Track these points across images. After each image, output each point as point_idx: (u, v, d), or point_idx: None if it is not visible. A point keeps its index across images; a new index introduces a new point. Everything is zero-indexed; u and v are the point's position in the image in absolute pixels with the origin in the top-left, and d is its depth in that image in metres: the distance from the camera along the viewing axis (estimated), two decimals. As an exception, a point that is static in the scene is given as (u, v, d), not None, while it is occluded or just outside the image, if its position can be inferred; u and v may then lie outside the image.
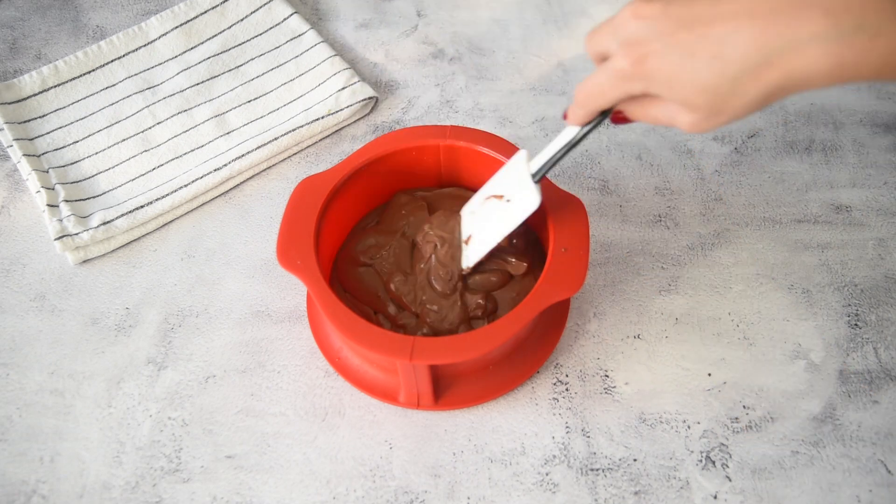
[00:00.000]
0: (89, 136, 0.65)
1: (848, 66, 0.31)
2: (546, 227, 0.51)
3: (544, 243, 0.54)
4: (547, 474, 0.49)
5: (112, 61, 0.69)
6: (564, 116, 0.44)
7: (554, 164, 0.47)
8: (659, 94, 0.36)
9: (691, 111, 0.36)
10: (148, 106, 0.67)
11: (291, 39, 0.72)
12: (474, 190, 0.55)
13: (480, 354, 0.45)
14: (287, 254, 0.49)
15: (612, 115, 0.42)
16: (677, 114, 0.37)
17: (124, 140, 0.65)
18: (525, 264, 0.53)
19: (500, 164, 0.52)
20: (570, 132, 0.45)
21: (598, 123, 0.43)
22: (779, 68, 0.32)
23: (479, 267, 0.52)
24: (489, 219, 0.51)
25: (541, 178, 0.48)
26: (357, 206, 0.57)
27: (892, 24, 0.30)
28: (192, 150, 0.65)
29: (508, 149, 0.53)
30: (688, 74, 0.34)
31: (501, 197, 0.50)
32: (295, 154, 0.65)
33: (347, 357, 0.52)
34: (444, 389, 0.51)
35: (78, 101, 0.67)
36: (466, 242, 0.52)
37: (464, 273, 0.52)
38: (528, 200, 0.48)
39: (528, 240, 0.55)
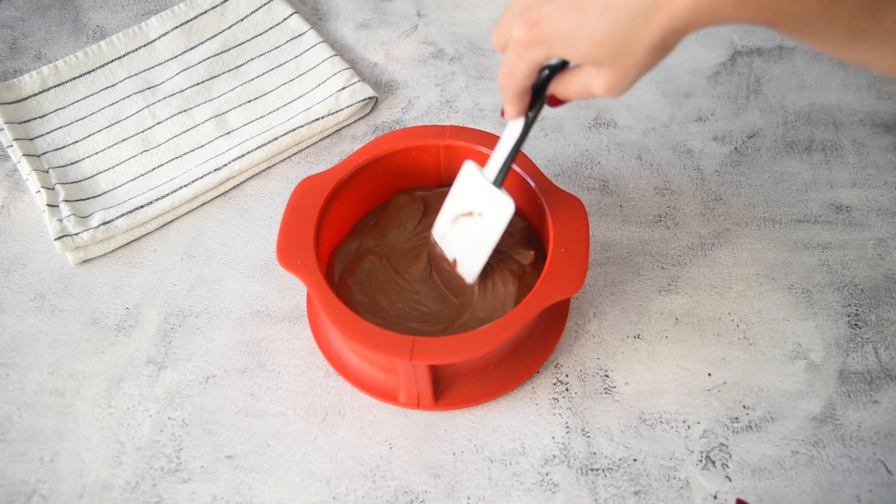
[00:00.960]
0: (89, 136, 0.65)
1: (727, 5, 0.32)
2: (546, 227, 0.51)
3: (544, 243, 0.54)
4: (547, 474, 0.49)
5: (112, 61, 0.69)
6: (503, 114, 0.45)
7: (509, 166, 0.47)
8: (562, 56, 0.37)
9: (599, 69, 0.37)
10: (148, 106, 0.67)
11: (291, 39, 0.72)
12: None
13: (480, 354, 0.45)
14: (287, 254, 0.49)
15: (547, 99, 0.43)
16: (590, 79, 0.38)
17: (124, 140, 0.65)
18: (532, 252, 0.53)
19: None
20: (515, 128, 0.45)
21: (538, 112, 0.43)
22: (665, 9, 0.33)
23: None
24: (469, 236, 0.51)
25: (502, 182, 0.48)
26: (357, 206, 0.57)
27: None
28: (192, 150, 0.65)
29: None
30: (584, 29, 0.35)
31: (472, 213, 0.50)
32: (295, 154, 0.65)
33: (347, 357, 0.52)
34: (444, 389, 0.51)
35: (78, 101, 0.67)
36: (453, 265, 0.52)
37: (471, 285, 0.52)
38: (503, 208, 0.48)
39: (530, 236, 0.55)
